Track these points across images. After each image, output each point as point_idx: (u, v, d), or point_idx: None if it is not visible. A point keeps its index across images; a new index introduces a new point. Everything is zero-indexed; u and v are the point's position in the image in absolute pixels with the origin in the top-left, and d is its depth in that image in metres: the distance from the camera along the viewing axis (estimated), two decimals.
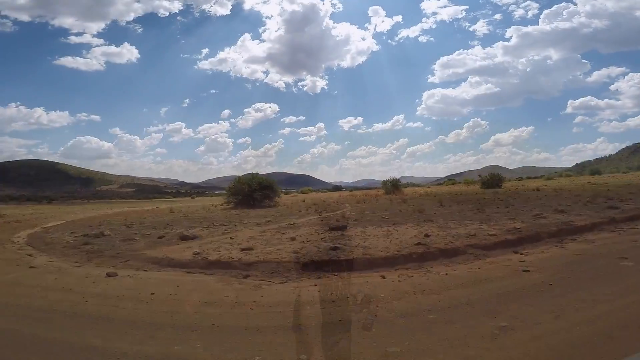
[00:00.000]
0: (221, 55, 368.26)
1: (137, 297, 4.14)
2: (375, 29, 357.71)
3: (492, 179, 36.27)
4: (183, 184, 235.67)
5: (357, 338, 2.79)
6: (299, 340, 2.85)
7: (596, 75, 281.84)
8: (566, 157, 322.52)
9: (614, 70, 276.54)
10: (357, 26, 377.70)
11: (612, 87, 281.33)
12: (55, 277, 5.18)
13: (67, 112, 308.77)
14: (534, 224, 7.33)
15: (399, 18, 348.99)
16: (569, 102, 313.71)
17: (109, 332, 3.21)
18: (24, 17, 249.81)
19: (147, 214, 18.19)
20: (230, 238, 7.37)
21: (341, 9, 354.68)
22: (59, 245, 7.76)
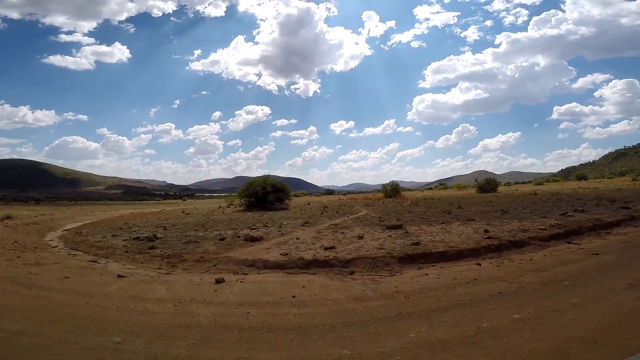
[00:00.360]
0: (214, 56, 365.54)
1: (279, 302, 4.01)
2: (368, 33, 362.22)
3: (488, 183, 37.68)
4: (172, 185, 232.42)
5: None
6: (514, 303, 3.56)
7: (581, 82, 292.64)
8: (551, 162, 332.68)
9: (599, 77, 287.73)
10: (350, 30, 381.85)
11: (597, 94, 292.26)
12: (165, 288, 4.71)
13: (53, 111, 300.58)
14: (568, 221, 8.14)
15: (392, 23, 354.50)
16: (555, 108, 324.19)
17: (319, 341, 3.02)
18: (14, 15, 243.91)
19: (163, 215, 18.30)
20: (297, 238, 7.53)
21: (336, 13, 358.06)
22: (117, 249, 7.47)
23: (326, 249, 6.12)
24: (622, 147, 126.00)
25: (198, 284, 4.86)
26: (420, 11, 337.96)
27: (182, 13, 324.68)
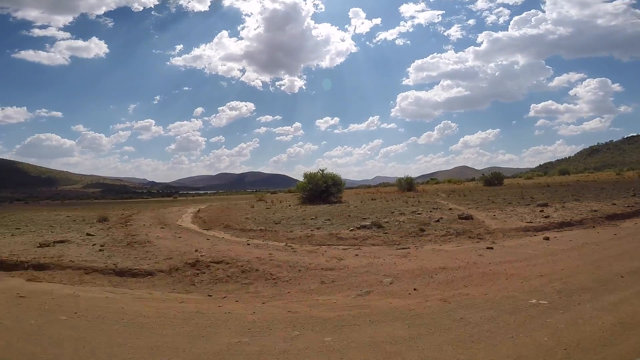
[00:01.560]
0: (196, 51, 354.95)
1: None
2: (354, 30, 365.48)
3: (494, 177, 41.02)
4: (153, 183, 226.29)
5: None
6: None
7: (557, 81, 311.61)
8: (528, 158, 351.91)
9: (574, 76, 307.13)
10: (337, 27, 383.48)
11: (572, 92, 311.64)
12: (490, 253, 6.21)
13: (25, 108, 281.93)
14: (625, 203, 10.90)
15: (378, 20, 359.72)
16: (532, 105, 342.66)
17: None
18: None
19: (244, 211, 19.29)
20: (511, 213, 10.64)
21: (323, 10, 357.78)
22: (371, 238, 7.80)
23: (544, 217, 9.14)
24: (596, 144, 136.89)
25: (480, 251, 6.60)
26: (406, 9, 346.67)
27: (164, 7, 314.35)
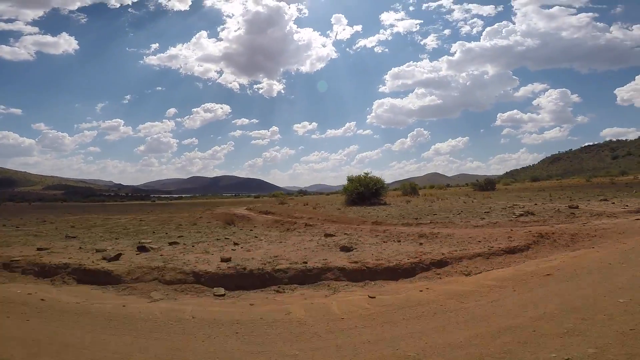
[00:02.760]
0: (172, 51, 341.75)
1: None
2: (336, 36, 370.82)
3: (487, 183, 44.88)
4: (120, 186, 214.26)
5: None
6: None
7: (523, 91, 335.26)
8: (494, 165, 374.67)
9: (538, 86, 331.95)
10: (319, 33, 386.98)
11: (535, 102, 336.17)
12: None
13: None
14: None
15: (359, 27, 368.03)
16: (499, 115, 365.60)
17: None
18: None
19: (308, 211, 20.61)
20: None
21: (307, 15, 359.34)
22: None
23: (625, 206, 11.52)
24: (557, 152, 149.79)
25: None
26: (387, 17, 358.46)
27: (142, 5, 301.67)
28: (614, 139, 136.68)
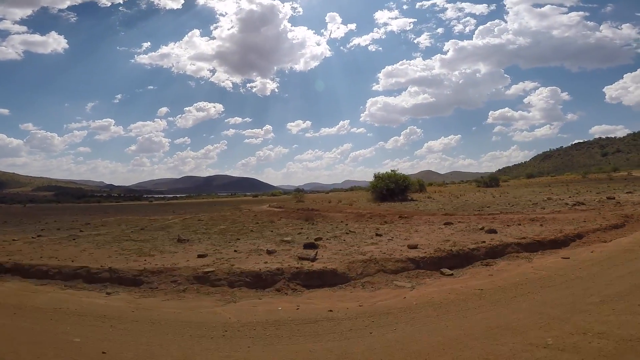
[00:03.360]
0: (164, 50, 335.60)
1: None
2: (330, 35, 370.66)
3: (492, 179, 46.39)
4: (112, 186, 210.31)
5: None
6: None
7: (514, 89, 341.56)
8: (486, 163, 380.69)
9: (529, 84, 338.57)
10: (313, 31, 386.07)
11: (526, 100, 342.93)
12: None
13: None
14: None
15: (353, 26, 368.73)
16: (490, 112, 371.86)
17: None
18: None
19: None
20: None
21: (301, 13, 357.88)
22: None
23: None
24: (548, 149, 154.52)
25: None
26: (381, 15, 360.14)
27: (133, 4, 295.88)
28: (604, 137, 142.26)
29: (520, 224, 8.55)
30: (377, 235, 8.08)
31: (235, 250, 6.86)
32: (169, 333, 3.63)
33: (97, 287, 5.27)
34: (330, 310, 4.10)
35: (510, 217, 9.72)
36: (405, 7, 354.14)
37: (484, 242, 6.47)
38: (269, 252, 6.44)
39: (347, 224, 10.68)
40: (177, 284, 5.10)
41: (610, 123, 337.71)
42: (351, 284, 5.05)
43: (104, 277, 5.45)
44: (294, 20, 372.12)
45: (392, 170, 24.54)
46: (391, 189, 22.97)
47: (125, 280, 5.33)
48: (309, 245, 6.87)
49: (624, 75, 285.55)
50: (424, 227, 9.16)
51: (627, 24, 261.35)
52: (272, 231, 9.71)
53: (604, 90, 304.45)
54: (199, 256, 6.33)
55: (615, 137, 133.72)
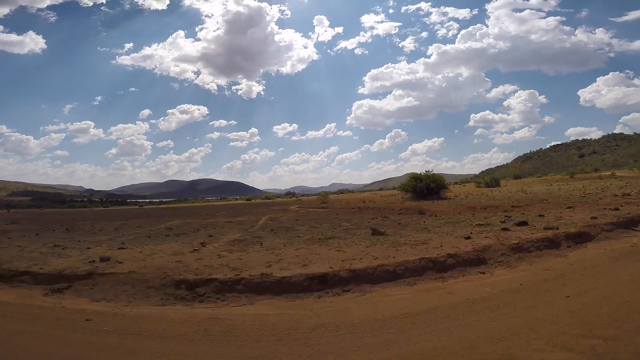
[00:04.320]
0: (147, 51, 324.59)
1: None
2: (317, 38, 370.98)
3: (493, 180, 48.81)
4: (92, 191, 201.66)
5: None
6: None
7: (494, 92, 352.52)
8: (468, 165, 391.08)
9: (508, 87, 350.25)
10: (301, 34, 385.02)
11: (505, 103, 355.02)
12: None
13: None
14: None
15: (340, 29, 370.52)
16: (472, 115, 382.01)
17: None
18: None
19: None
20: None
21: (289, 16, 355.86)
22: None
23: None
24: (528, 151, 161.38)
25: None
26: (367, 19, 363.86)
27: (116, 4, 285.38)
28: (580, 138, 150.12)
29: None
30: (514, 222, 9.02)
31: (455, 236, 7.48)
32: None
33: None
34: None
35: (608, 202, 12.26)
36: (391, 10, 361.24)
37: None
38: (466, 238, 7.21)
39: (473, 214, 11.86)
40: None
41: (584, 125, 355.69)
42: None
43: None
44: (282, 23, 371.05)
45: (426, 171, 25.92)
46: (432, 187, 24.39)
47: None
48: (521, 223, 8.51)
49: (597, 79, 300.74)
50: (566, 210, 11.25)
51: (601, 29, 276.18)
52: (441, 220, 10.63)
53: (578, 93, 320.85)
54: (465, 237, 7.13)
55: (590, 139, 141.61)
